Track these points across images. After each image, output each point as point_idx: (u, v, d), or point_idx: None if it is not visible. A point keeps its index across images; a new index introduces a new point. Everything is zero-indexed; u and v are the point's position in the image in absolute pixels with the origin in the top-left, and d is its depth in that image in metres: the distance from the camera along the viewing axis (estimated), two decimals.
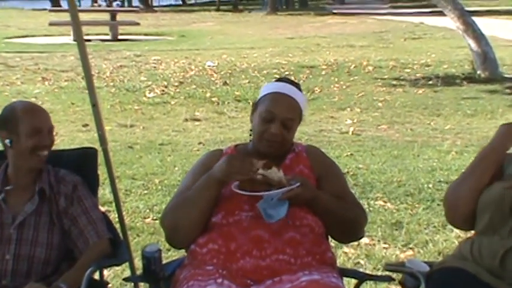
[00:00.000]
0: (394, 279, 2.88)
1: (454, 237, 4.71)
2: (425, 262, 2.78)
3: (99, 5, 34.73)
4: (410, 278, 2.67)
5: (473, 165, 2.83)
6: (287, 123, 2.86)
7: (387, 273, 2.92)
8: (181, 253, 3.13)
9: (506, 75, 12.88)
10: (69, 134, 8.37)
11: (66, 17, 19.12)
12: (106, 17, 21.78)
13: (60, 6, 33.38)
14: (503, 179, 2.71)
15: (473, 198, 2.71)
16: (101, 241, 2.96)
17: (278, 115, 2.85)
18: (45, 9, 29.98)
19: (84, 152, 3.36)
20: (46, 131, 2.94)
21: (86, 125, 8.84)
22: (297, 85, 3.01)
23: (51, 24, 20.13)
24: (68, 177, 3.03)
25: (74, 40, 17.29)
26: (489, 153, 2.79)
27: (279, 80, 3.11)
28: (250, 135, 2.98)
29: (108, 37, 20.55)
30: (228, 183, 2.76)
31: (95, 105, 3.56)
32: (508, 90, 11.60)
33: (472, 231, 2.79)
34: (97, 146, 3.49)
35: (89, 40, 17.34)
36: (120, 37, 20.76)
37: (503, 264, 2.55)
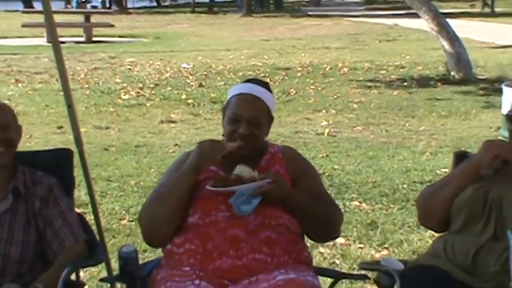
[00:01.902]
0: (369, 278, 2.91)
1: (428, 237, 4.74)
2: (400, 261, 2.81)
3: (71, 7, 34.50)
4: (385, 276, 2.69)
5: (449, 177, 2.85)
6: (254, 122, 2.87)
7: (362, 272, 2.95)
8: (158, 254, 3.13)
9: (479, 77, 13.01)
10: (43, 136, 8.29)
11: (38, 18, 19.03)
12: (80, 18, 21.65)
13: (32, 7, 32.99)
14: (476, 181, 2.73)
15: (446, 206, 2.74)
16: (78, 243, 2.95)
17: (244, 116, 2.86)
18: (17, 11, 29.69)
19: (59, 153, 3.35)
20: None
21: (60, 127, 8.78)
22: (263, 84, 3.02)
23: (24, 25, 19.95)
24: (44, 180, 3.02)
25: (48, 42, 17.25)
26: (468, 167, 2.79)
27: (244, 81, 3.12)
28: (223, 140, 2.97)
29: (82, 39, 20.44)
30: (202, 177, 2.80)
31: (70, 106, 3.55)
32: (481, 92, 11.73)
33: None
34: (72, 147, 3.48)
35: (63, 42, 17.21)
36: (94, 39, 20.65)
37: (475, 261, 2.59)
